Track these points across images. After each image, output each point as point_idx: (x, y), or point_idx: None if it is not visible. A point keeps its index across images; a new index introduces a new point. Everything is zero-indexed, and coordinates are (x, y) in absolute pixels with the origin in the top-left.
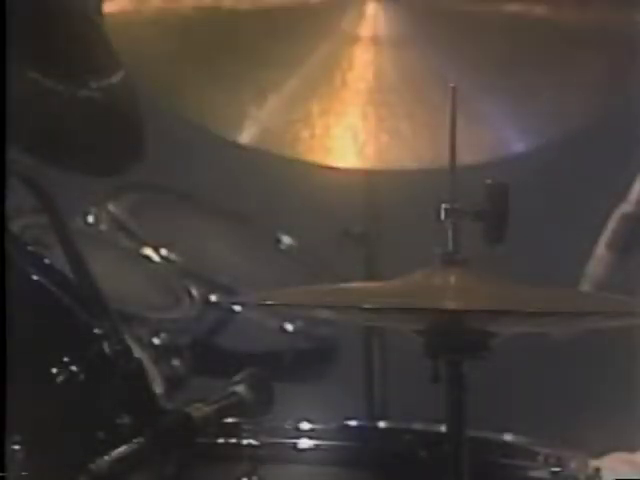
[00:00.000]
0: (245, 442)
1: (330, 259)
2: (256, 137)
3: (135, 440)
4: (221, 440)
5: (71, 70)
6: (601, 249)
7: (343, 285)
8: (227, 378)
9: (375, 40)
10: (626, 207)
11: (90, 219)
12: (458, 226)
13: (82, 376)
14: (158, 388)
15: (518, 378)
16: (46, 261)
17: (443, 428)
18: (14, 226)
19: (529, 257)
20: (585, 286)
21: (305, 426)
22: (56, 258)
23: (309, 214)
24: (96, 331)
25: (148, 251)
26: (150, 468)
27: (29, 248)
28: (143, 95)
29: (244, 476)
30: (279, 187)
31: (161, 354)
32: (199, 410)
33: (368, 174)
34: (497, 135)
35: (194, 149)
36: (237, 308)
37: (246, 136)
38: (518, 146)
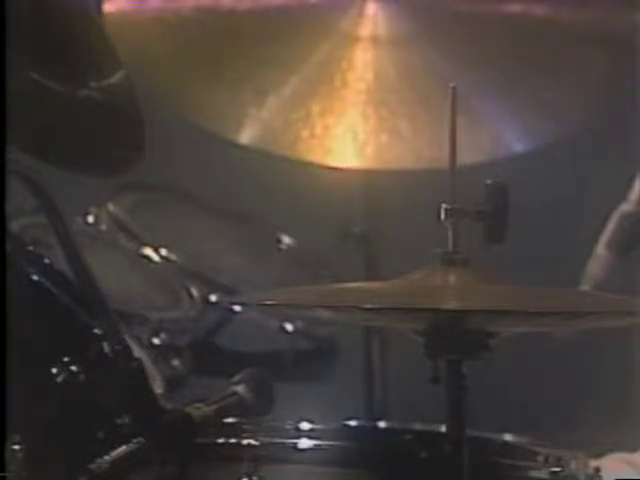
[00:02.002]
0: (245, 442)
1: (330, 259)
2: (256, 137)
3: (135, 440)
4: (221, 440)
5: (71, 70)
6: (601, 249)
7: (343, 285)
8: (227, 378)
9: (375, 40)
10: (626, 207)
11: (90, 219)
12: (458, 226)
13: (82, 376)
14: (158, 388)
15: (518, 378)
16: (46, 261)
17: (443, 428)
18: (14, 226)
19: (529, 257)
20: (585, 286)
21: (305, 426)
22: (56, 258)
23: (309, 214)
24: (96, 331)
25: (148, 251)
26: (150, 468)
27: (29, 248)
28: (143, 95)
29: (244, 476)
30: (279, 187)
31: (161, 354)
32: (199, 410)
33: (368, 174)
34: (497, 135)
35: (194, 149)
36: (237, 308)
37: (246, 136)
38: (518, 146)
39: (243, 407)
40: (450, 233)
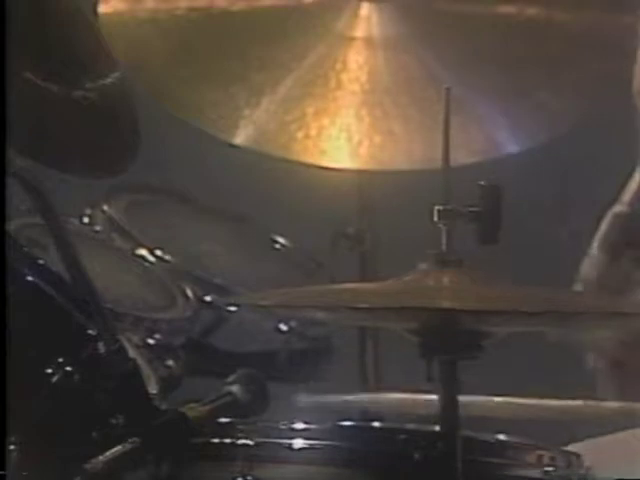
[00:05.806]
0: (240, 442)
1: (324, 259)
2: (251, 138)
3: (130, 440)
4: (216, 440)
5: (66, 71)
6: (594, 249)
7: (337, 286)
8: (222, 378)
9: (369, 41)
10: (619, 207)
11: (85, 219)
12: (451, 227)
13: (76, 376)
14: (153, 388)
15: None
16: (41, 261)
17: (437, 428)
18: (10, 226)
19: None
20: (578, 286)
21: (299, 426)
22: (51, 258)
23: (304, 215)
24: (91, 331)
25: (143, 251)
26: (145, 468)
27: (24, 248)
28: (138, 96)
29: (239, 476)
30: (274, 188)
31: (156, 354)
32: (194, 410)
33: (362, 174)
34: (491, 136)
35: (189, 150)
36: (232, 308)
37: (241, 137)
38: (512, 147)
39: (238, 407)
40: (443, 234)
